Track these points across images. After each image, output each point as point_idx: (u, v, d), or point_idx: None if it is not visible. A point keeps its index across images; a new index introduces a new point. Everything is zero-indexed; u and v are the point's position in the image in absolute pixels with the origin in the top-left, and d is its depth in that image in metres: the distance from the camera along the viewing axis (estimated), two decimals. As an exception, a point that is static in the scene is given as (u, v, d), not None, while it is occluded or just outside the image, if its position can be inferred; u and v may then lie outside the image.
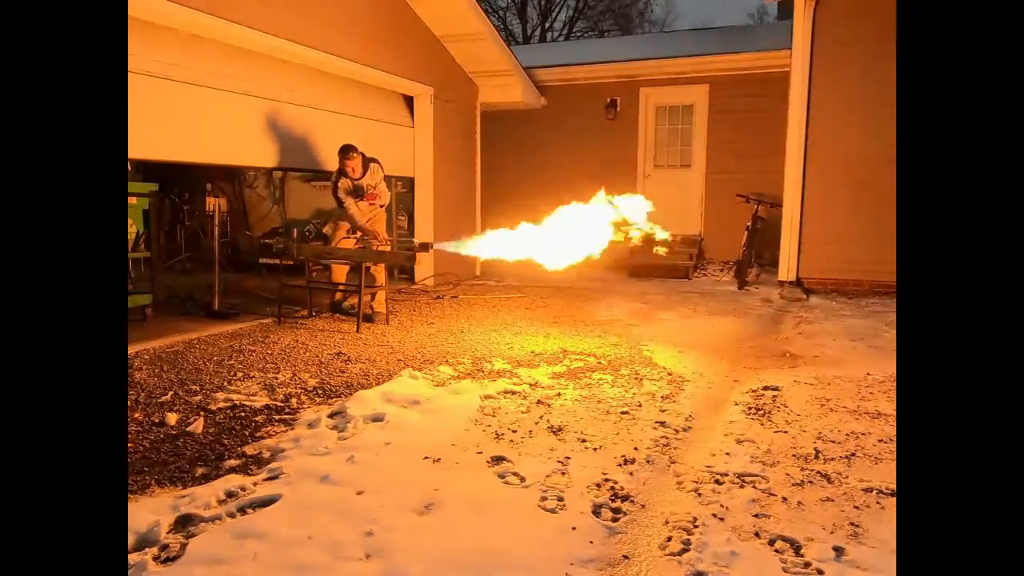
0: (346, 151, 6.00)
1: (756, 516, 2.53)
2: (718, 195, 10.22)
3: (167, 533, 2.39)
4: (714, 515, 2.54)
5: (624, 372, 4.53)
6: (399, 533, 2.39)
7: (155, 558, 2.24)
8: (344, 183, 6.07)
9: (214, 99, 5.80)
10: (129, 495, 2.66)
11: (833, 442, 3.28)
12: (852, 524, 2.47)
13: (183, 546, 2.30)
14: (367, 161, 6.13)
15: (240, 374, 4.34)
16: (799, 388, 4.20)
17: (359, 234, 6.20)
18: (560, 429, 3.42)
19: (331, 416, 3.59)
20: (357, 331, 5.71)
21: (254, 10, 5.59)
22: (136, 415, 3.55)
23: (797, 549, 2.31)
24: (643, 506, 2.62)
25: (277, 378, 4.27)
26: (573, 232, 4.91)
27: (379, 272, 6.26)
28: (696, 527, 2.45)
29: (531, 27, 28.92)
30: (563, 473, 2.90)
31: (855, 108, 7.48)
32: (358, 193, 6.13)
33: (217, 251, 6.48)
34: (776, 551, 2.29)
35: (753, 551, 2.29)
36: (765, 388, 4.20)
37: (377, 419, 3.52)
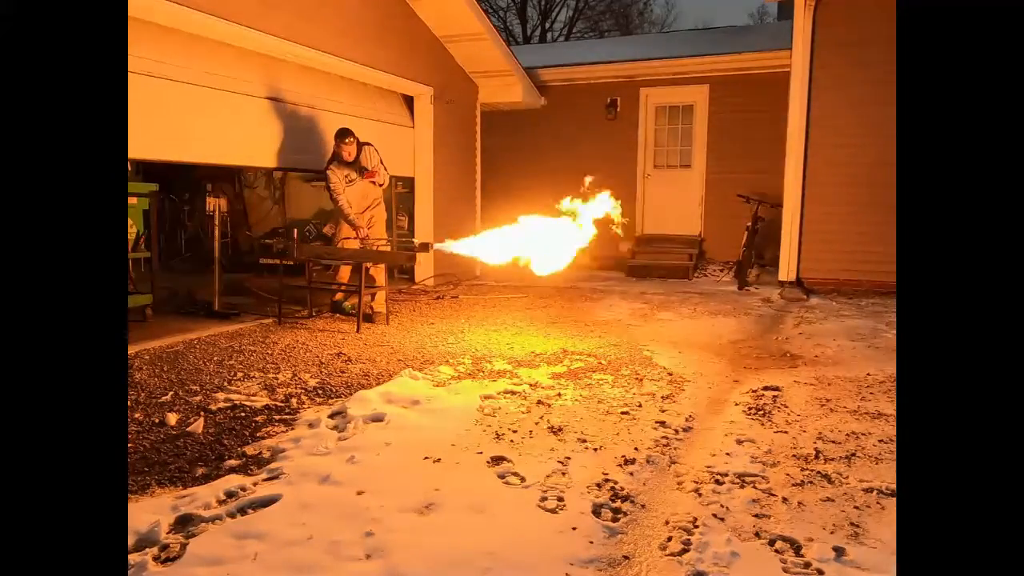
0: (344, 135, 5.98)
1: (756, 516, 2.53)
2: (718, 195, 10.22)
3: (167, 533, 2.39)
4: (714, 515, 2.54)
5: (624, 372, 4.53)
6: (399, 533, 2.39)
7: (155, 558, 2.24)
8: (339, 172, 6.04)
9: (214, 99, 5.81)
10: (129, 495, 2.66)
11: (833, 442, 3.28)
12: (852, 524, 2.47)
13: (183, 546, 2.30)
14: (361, 145, 6.13)
15: (240, 374, 4.34)
16: (799, 388, 4.20)
17: (363, 234, 6.19)
18: (560, 429, 3.42)
19: (331, 416, 3.59)
20: (357, 331, 5.71)
21: (254, 10, 5.59)
22: (136, 415, 3.55)
23: (797, 549, 2.30)
24: (643, 506, 2.62)
25: (277, 378, 4.27)
26: (558, 234, 4.99)
27: (379, 272, 6.26)
28: (696, 527, 2.45)
29: (531, 27, 28.95)
30: (563, 473, 2.90)
31: (855, 108, 7.49)
32: (359, 171, 6.09)
33: (217, 251, 6.48)
34: (776, 551, 2.29)
35: (753, 551, 2.29)
36: (765, 388, 4.20)
37: (377, 419, 3.52)
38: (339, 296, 6.51)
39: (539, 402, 3.84)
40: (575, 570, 2.17)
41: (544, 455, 3.09)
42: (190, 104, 5.55)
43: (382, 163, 6.24)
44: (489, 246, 5.27)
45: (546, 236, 5.02)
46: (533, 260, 5.08)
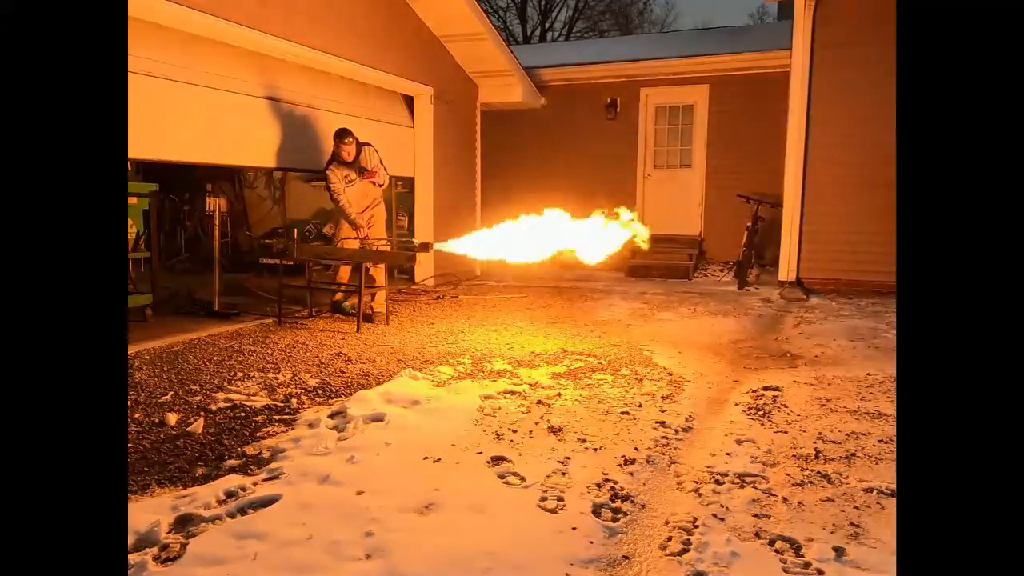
0: (343, 135, 5.98)
1: (756, 516, 2.53)
2: (718, 195, 10.23)
3: (167, 533, 2.39)
4: (714, 515, 2.54)
5: (624, 372, 4.53)
6: (399, 533, 2.39)
7: (155, 558, 2.24)
8: (338, 172, 6.03)
9: (214, 99, 5.81)
10: (129, 495, 2.66)
11: (833, 442, 3.28)
12: (852, 524, 2.47)
13: (183, 546, 2.30)
14: (361, 145, 6.13)
15: (240, 374, 4.34)
16: (799, 388, 4.20)
17: (363, 234, 6.18)
18: (560, 429, 3.42)
19: (331, 416, 3.59)
20: (357, 331, 5.71)
21: (254, 10, 5.59)
22: (136, 415, 3.55)
23: (797, 549, 2.31)
24: (643, 506, 2.62)
25: (277, 378, 4.27)
26: (575, 237, 4.95)
27: (379, 272, 6.26)
28: (696, 527, 2.45)
29: (531, 27, 28.95)
30: (563, 473, 2.90)
31: (855, 108, 7.49)
32: (358, 171, 6.09)
33: (217, 251, 6.48)
34: (776, 551, 2.29)
35: (753, 551, 2.29)
36: (765, 388, 4.19)
37: (377, 419, 3.53)
38: (339, 296, 6.51)
39: (539, 402, 3.84)
40: (575, 570, 2.17)
41: (544, 455, 3.09)
42: (190, 104, 5.55)
43: (382, 163, 6.24)
44: (489, 245, 5.27)
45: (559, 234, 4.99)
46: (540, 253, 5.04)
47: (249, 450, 3.15)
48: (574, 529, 2.43)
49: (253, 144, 6.30)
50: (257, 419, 3.56)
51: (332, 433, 3.36)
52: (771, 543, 2.34)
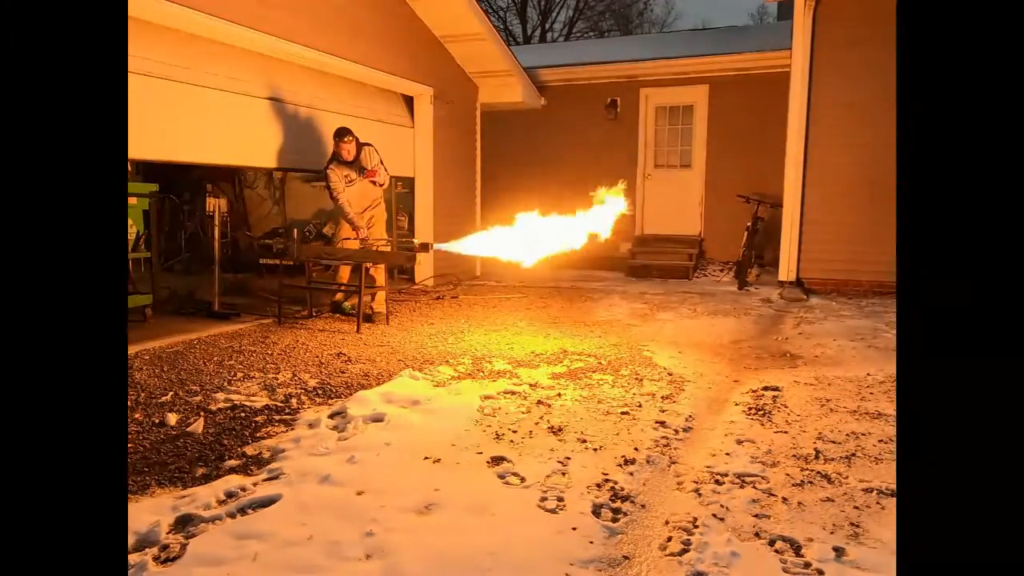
0: (343, 134, 5.97)
1: (756, 516, 2.53)
2: (718, 195, 10.23)
3: (167, 533, 2.39)
4: (714, 515, 2.54)
5: (624, 372, 4.53)
6: (399, 533, 2.39)
7: (155, 558, 2.24)
8: (338, 172, 6.03)
9: (214, 99, 5.81)
10: (129, 495, 2.66)
11: (833, 442, 3.28)
12: (852, 524, 2.47)
13: (183, 546, 2.30)
14: (361, 145, 6.13)
15: (240, 374, 4.34)
16: (799, 388, 4.20)
17: (362, 235, 6.18)
18: (560, 429, 3.42)
19: (331, 416, 3.59)
20: (357, 331, 5.71)
21: (254, 10, 5.59)
22: (136, 415, 3.55)
23: (797, 549, 2.31)
24: (643, 506, 2.62)
25: (277, 378, 4.27)
26: (564, 228, 5.00)
27: (379, 272, 6.26)
28: (696, 527, 2.45)
29: (531, 27, 28.96)
30: (563, 473, 2.90)
31: (855, 108, 7.49)
32: (358, 170, 6.09)
33: (217, 251, 6.48)
34: (776, 551, 2.29)
35: (753, 551, 2.29)
36: (765, 388, 4.19)
37: (377, 419, 3.53)
38: (339, 296, 6.51)
39: (539, 402, 3.84)
40: (575, 570, 2.17)
41: (544, 455, 3.09)
42: (190, 104, 5.55)
43: (382, 163, 6.24)
44: (489, 245, 5.28)
45: (553, 229, 5.03)
46: (537, 252, 5.07)
47: (249, 450, 3.15)
48: (574, 529, 2.43)
49: (253, 144, 6.30)
50: (257, 419, 3.56)
51: (332, 433, 3.36)
52: (771, 543, 2.34)
